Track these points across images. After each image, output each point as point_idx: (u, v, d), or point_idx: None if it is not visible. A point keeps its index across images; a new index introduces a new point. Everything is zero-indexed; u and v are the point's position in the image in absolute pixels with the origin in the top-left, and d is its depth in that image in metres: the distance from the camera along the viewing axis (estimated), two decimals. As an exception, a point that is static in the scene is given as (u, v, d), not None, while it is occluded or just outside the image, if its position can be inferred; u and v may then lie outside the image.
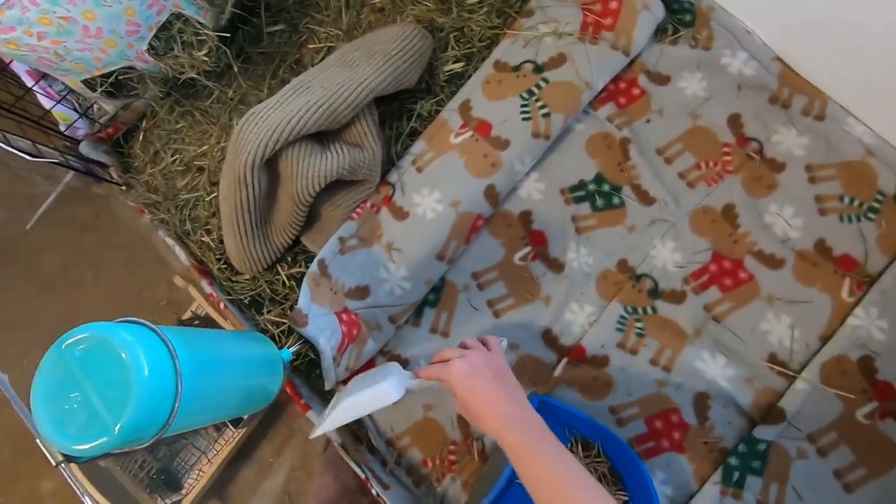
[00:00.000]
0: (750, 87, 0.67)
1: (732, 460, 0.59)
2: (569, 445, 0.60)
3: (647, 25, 0.68)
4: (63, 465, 0.34)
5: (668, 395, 0.63)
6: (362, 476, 0.60)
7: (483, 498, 0.56)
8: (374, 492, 0.59)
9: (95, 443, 0.32)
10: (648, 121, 0.69)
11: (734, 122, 0.67)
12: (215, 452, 1.05)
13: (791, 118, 0.66)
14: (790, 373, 0.60)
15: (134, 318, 0.37)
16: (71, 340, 0.34)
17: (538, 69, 0.69)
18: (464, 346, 0.55)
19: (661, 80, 0.69)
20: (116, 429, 0.32)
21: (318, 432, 0.55)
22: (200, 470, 1.12)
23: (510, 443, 0.46)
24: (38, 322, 1.11)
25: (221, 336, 0.48)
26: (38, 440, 0.33)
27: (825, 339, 0.60)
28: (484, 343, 0.55)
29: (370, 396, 0.54)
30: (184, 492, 1.14)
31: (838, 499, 0.57)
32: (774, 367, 0.61)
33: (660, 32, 0.70)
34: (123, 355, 0.33)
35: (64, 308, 1.06)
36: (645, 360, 0.64)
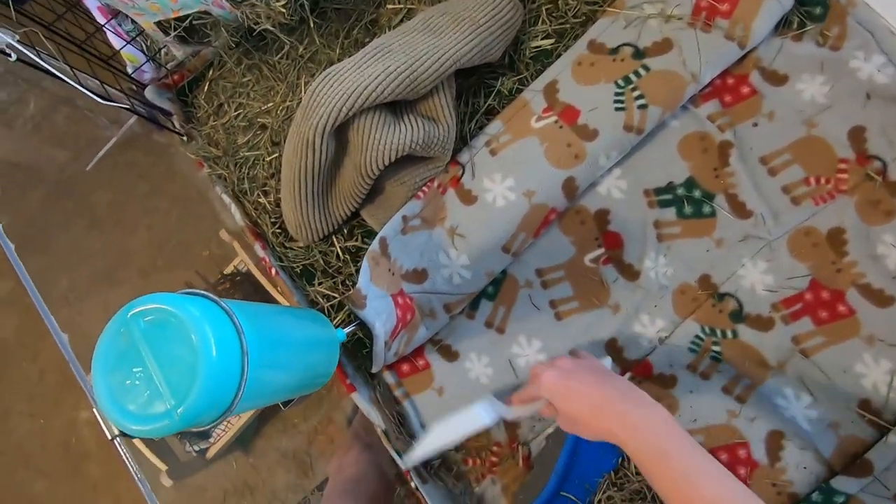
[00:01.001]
0: (880, 98, 0.59)
1: (804, 509, 0.54)
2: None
3: (770, 16, 0.60)
4: (118, 439, 0.32)
5: (737, 427, 0.58)
6: (402, 467, 0.58)
7: None
8: (412, 484, 0.57)
9: (156, 425, 0.30)
10: (756, 124, 0.62)
11: (856, 135, 0.59)
12: (266, 405, 1.06)
13: (926, 138, 0.58)
14: (883, 423, 0.54)
15: (198, 291, 0.35)
16: (138, 310, 0.31)
17: (638, 54, 0.62)
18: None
19: (777, 79, 0.62)
20: (179, 412, 0.30)
21: (410, 462, 0.54)
22: (229, 421, 1.14)
23: (631, 448, 0.40)
24: (87, 260, 1.13)
25: (281, 313, 0.46)
26: (95, 410, 0.31)
27: (929, 392, 0.54)
28: (574, 355, 0.51)
29: (461, 420, 0.52)
30: (211, 440, 1.16)
31: (921, 568, 0.51)
32: (866, 414, 0.55)
33: (782, 26, 0.62)
34: (193, 337, 0.30)
35: (113, 251, 1.07)
36: (717, 387, 0.59)
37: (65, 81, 0.50)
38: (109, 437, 0.32)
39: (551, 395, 0.45)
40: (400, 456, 0.58)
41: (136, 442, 1.09)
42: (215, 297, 0.34)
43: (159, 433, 0.30)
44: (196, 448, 1.13)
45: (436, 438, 0.53)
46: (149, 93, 0.73)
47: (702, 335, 0.60)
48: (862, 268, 0.57)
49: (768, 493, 0.56)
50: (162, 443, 1.12)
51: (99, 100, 0.52)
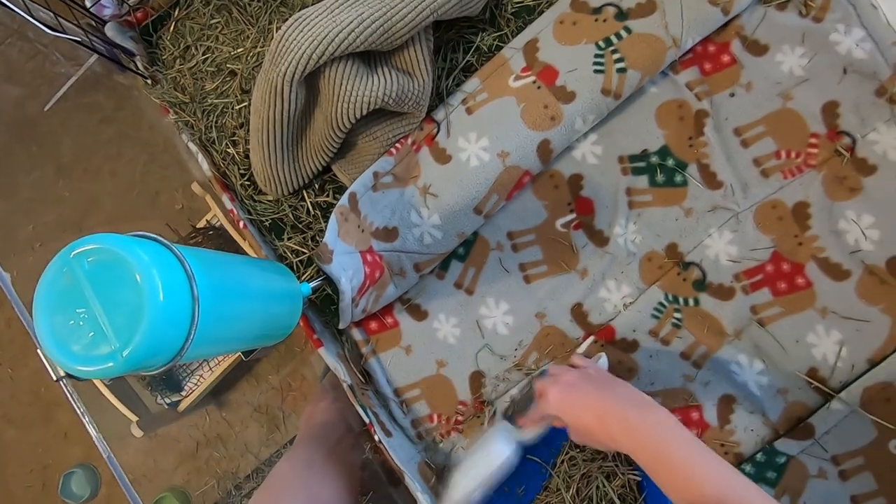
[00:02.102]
0: (856, 73, 0.59)
1: (747, 467, 0.57)
2: None
3: (756, -18, 0.59)
4: (64, 380, 0.32)
5: (692, 391, 0.60)
6: (367, 421, 0.59)
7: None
8: (376, 437, 0.58)
9: (100, 367, 0.29)
10: (733, 94, 0.61)
11: (829, 110, 0.60)
12: (217, 362, 1.06)
13: (896, 116, 0.58)
14: (828, 391, 0.57)
15: (149, 234, 0.33)
16: (80, 250, 0.30)
17: (621, 15, 0.61)
18: (552, 374, 0.51)
19: (758, 49, 0.61)
20: (124, 354, 0.29)
21: None
22: (201, 376, 1.14)
23: (635, 454, 0.41)
24: (53, 208, 1.09)
25: (242, 262, 0.45)
26: (39, 351, 0.31)
27: (873, 363, 0.56)
28: (574, 366, 0.51)
29: (484, 463, 0.52)
30: (183, 393, 1.16)
31: (849, 524, 0.55)
32: (813, 381, 0.57)
33: (768, -7, 0.61)
34: (138, 277, 0.29)
35: (79, 197, 1.03)
36: (676, 352, 0.60)
37: (12, 10, 0.47)
38: (54, 378, 0.32)
39: (559, 411, 0.46)
40: (365, 412, 0.59)
41: (106, 392, 1.08)
42: (166, 242, 0.33)
43: (104, 375, 0.30)
44: (168, 401, 1.13)
45: (464, 488, 0.52)
46: (109, 30, 0.68)
47: (665, 302, 0.61)
48: (823, 242, 0.59)
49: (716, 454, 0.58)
50: (132, 394, 1.12)
51: (47, 30, 0.49)
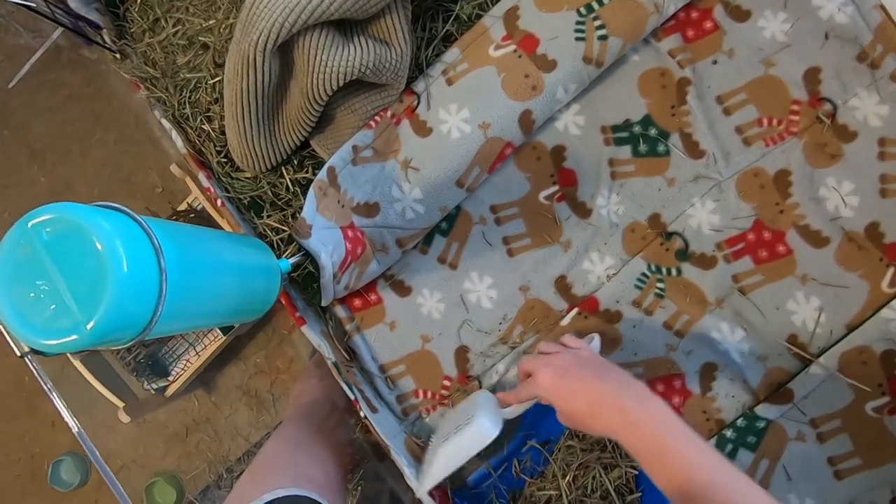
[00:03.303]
0: (838, 38, 0.59)
1: (728, 432, 0.58)
2: None
3: (738, -55, 0.58)
4: (28, 356, 0.31)
5: (675, 360, 0.60)
6: (352, 397, 0.58)
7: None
8: (361, 414, 0.58)
9: (64, 339, 0.29)
10: (716, 62, 0.61)
11: (811, 76, 0.59)
12: (203, 346, 1.04)
13: (877, 82, 0.58)
14: (808, 356, 0.57)
15: (113, 204, 0.32)
16: (36, 221, 0.29)
17: (603, -19, 0.59)
18: (543, 353, 0.50)
19: (740, 15, 0.60)
20: (88, 327, 0.28)
21: (424, 488, 0.52)
22: (188, 361, 1.13)
23: (629, 444, 0.40)
24: (27, 191, 1.06)
25: (216, 237, 0.44)
26: (0, 326, 0.30)
27: (851, 328, 0.57)
28: (566, 346, 0.50)
29: (469, 439, 0.50)
30: (170, 378, 1.15)
31: (826, 484, 0.56)
32: (792, 347, 0.58)
33: (751, -44, 0.60)
34: (99, 246, 0.28)
35: (53, 181, 1.00)
36: (658, 322, 0.61)
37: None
38: (18, 355, 0.31)
39: (549, 394, 0.45)
40: (350, 389, 0.59)
41: (90, 378, 1.07)
42: (132, 213, 0.32)
43: (69, 348, 0.29)
44: (154, 386, 1.12)
45: (448, 460, 0.51)
46: (73, 0, 0.65)
47: (647, 273, 0.61)
48: (803, 209, 0.59)
49: (699, 420, 0.59)
50: (118, 380, 1.11)
51: (4, -1, 0.46)
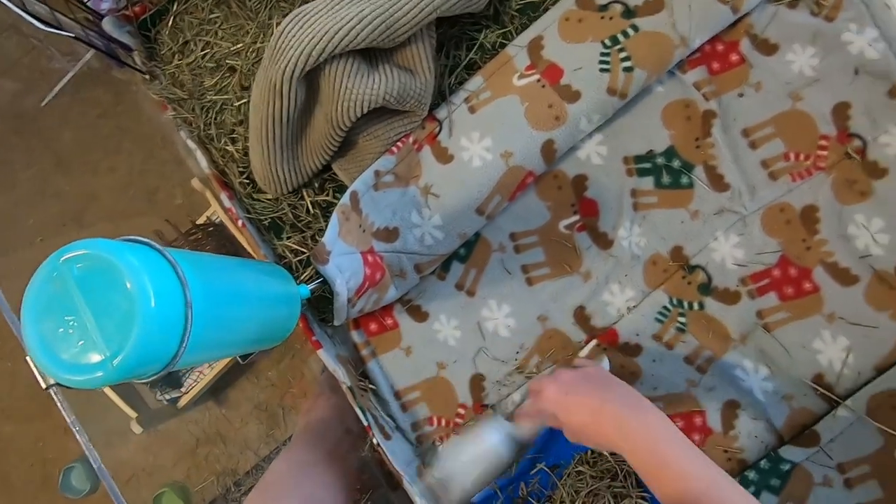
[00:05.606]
0: (868, 74, 0.58)
1: (751, 474, 0.56)
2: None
3: (766, -21, 0.58)
4: (54, 389, 0.31)
5: (695, 396, 0.59)
6: (365, 423, 0.58)
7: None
8: (374, 440, 0.58)
9: (90, 376, 0.29)
10: (741, 94, 0.60)
11: (840, 112, 0.58)
12: (216, 359, 1.05)
13: (908, 118, 0.57)
14: (835, 397, 0.56)
15: (141, 238, 0.33)
16: (69, 255, 0.29)
17: (628, 13, 0.59)
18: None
19: (767, 48, 0.60)
20: (114, 363, 0.28)
21: None
22: (201, 372, 1.13)
23: (629, 456, 0.41)
24: (52, 202, 1.08)
25: (238, 266, 0.44)
26: (28, 359, 0.30)
27: (880, 370, 0.56)
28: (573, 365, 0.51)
29: (482, 462, 0.51)
30: (183, 389, 1.16)
31: (854, 532, 0.54)
32: (819, 388, 0.56)
33: (778, -9, 0.60)
34: (128, 283, 0.29)
35: (78, 192, 1.03)
36: (679, 357, 0.59)
37: (5, 4, 0.46)
38: (44, 387, 0.31)
39: (554, 409, 0.45)
40: (364, 413, 0.58)
41: (106, 389, 1.08)
42: (159, 246, 0.32)
43: (95, 384, 0.29)
44: (167, 397, 1.13)
45: (460, 487, 0.52)
46: (107, 24, 0.67)
47: (669, 306, 0.60)
48: (831, 247, 0.58)
49: (720, 459, 0.58)
50: (132, 391, 1.12)
51: (44, 27, 0.48)
